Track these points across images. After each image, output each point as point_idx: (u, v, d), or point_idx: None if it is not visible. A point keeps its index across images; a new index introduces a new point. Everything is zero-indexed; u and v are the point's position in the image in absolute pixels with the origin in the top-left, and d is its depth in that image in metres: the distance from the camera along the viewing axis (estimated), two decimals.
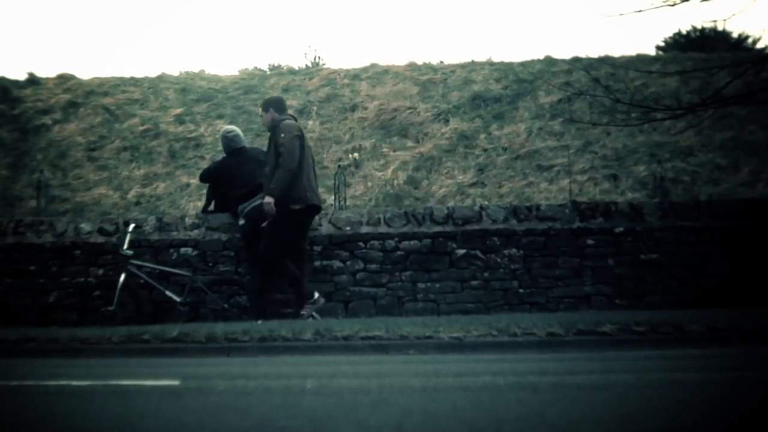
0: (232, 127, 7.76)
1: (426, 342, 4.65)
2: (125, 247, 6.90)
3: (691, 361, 3.89)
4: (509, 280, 7.12)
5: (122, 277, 6.77)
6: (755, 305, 6.18)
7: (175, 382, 3.42)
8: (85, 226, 7.51)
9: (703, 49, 14.06)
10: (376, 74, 12.88)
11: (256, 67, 17.80)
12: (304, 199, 6.56)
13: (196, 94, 12.52)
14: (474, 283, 7.11)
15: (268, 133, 6.93)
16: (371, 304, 7.11)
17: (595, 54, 11.31)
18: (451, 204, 9.38)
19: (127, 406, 2.71)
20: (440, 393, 2.82)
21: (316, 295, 6.56)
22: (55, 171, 10.85)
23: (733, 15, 10.50)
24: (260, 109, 7.29)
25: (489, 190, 10.00)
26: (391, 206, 8.85)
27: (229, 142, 7.35)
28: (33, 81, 12.94)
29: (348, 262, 7.19)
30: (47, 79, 13.05)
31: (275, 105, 6.99)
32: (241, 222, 7.01)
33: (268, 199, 6.42)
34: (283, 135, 6.51)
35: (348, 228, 7.31)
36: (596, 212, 7.29)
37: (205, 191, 8.51)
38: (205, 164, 10.87)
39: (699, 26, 18.24)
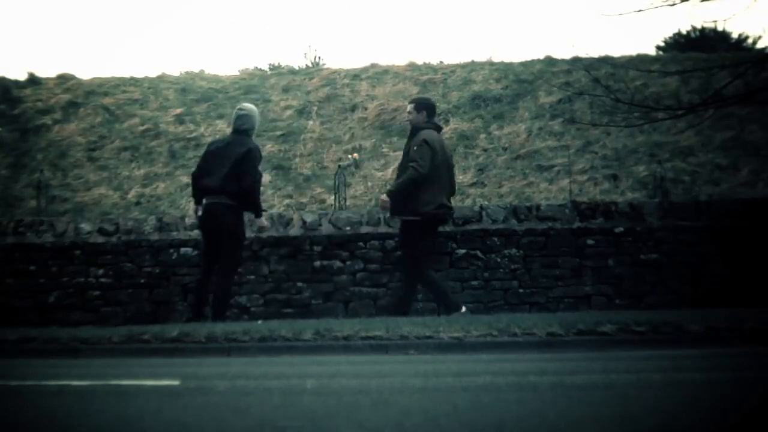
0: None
1: (426, 342, 4.64)
2: None
3: (691, 361, 3.89)
4: (509, 280, 7.12)
5: None
6: (755, 305, 6.17)
7: (175, 382, 3.42)
8: (85, 226, 7.52)
9: (703, 49, 14.05)
10: (376, 74, 12.87)
11: (256, 67, 17.81)
12: (426, 211, 6.50)
13: (196, 94, 12.52)
14: (474, 283, 7.11)
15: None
16: (371, 304, 7.11)
17: (595, 54, 11.28)
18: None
19: (127, 406, 2.71)
20: (440, 393, 2.82)
21: (463, 308, 6.43)
22: (55, 171, 10.85)
23: (733, 15, 10.53)
24: (410, 105, 6.93)
25: (489, 190, 10.00)
26: None
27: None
28: (33, 81, 12.94)
29: (348, 262, 7.19)
30: (47, 79, 13.04)
31: (429, 109, 6.84)
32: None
33: (385, 198, 6.55)
34: (416, 148, 6.52)
35: (348, 228, 7.31)
36: (596, 212, 7.29)
37: None
38: None
39: (699, 26, 18.25)
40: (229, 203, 6.31)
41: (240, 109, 6.70)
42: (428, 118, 6.78)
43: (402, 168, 6.75)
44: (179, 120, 11.81)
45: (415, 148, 6.52)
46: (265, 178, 9.67)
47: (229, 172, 6.29)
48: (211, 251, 6.45)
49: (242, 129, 6.56)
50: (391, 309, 6.82)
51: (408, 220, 6.51)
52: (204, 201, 6.44)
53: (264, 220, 6.67)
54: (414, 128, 6.75)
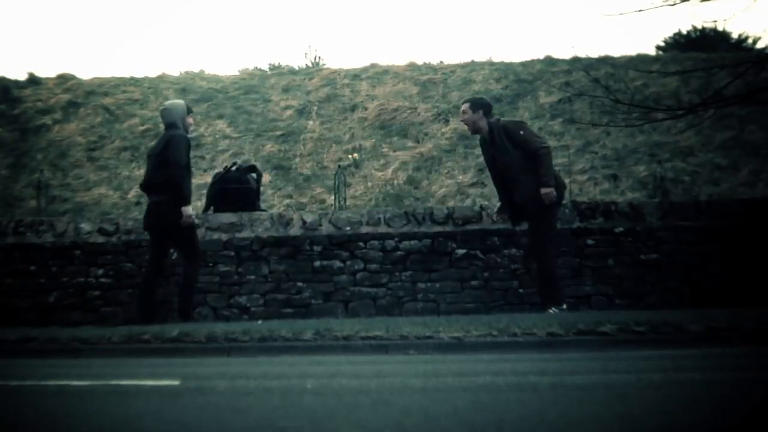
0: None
1: (426, 342, 4.64)
2: None
3: (691, 361, 3.89)
4: (509, 280, 7.12)
5: None
6: (755, 305, 6.17)
7: (175, 382, 3.42)
8: (85, 226, 7.51)
9: (703, 49, 14.07)
10: (376, 74, 12.88)
11: (256, 67, 17.84)
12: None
13: (196, 94, 12.52)
14: (474, 283, 7.11)
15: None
16: (371, 304, 7.11)
17: (595, 54, 11.30)
18: (451, 204, 9.38)
19: (127, 406, 2.71)
20: (440, 393, 2.82)
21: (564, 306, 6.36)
22: (55, 171, 10.86)
23: (733, 15, 10.56)
24: (465, 105, 6.77)
25: (489, 190, 9.99)
26: (391, 206, 8.85)
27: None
28: (33, 81, 12.95)
29: (348, 262, 7.19)
30: (47, 79, 13.06)
31: (485, 108, 6.70)
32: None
33: (547, 189, 6.33)
34: (522, 132, 6.51)
35: (348, 228, 7.31)
36: (596, 212, 7.29)
37: (205, 191, 8.51)
38: (204, 164, 10.87)
39: (699, 26, 18.28)
40: (164, 199, 6.38)
41: (161, 105, 6.93)
42: (486, 117, 6.63)
43: (509, 167, 6.51)
44: None
45: (521, 132, 6.50)
46: (265, 178, 9.68)
47: (154, 165, 6.46)
48: (156, 250, 6.54)
49: (166, 124, 6.67)
50: (541, 302, 6.46)
51: (551, 202, 6.40)
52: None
53: (190, 209, 6.43)
54: (491, 127, 6.56)
